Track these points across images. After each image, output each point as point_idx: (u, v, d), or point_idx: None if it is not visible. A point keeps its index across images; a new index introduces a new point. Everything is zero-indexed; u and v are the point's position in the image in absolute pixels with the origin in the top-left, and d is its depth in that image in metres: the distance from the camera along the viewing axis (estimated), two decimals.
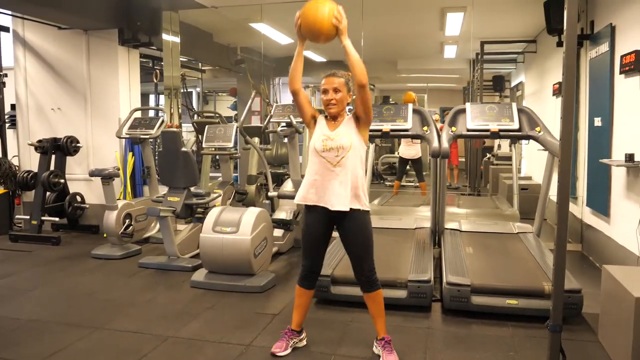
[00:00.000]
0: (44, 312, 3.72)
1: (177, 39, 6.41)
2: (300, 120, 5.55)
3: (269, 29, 7.49)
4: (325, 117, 2.90)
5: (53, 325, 3.47)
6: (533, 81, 8.49)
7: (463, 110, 4.68)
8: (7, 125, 6.74)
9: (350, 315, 3.51)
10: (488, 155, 10.61)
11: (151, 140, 5.94)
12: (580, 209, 5.48)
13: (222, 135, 5.77)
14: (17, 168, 6.62)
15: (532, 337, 3.15)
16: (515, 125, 4.47)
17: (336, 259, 3.95)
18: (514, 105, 4.63)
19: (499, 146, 11.40)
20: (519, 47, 8.68)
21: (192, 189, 4.97)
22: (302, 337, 3.07)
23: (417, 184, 9.19)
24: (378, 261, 4.05)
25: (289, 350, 2.97)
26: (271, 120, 5.64)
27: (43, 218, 6.01)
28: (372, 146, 7.12)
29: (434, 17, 7.10)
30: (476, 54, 8.79)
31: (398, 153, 9.12)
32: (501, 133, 4.48)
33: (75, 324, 3.48)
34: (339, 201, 2.74)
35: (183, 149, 4.81)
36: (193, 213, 5.00)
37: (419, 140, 8.04)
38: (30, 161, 6.64)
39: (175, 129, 4.93)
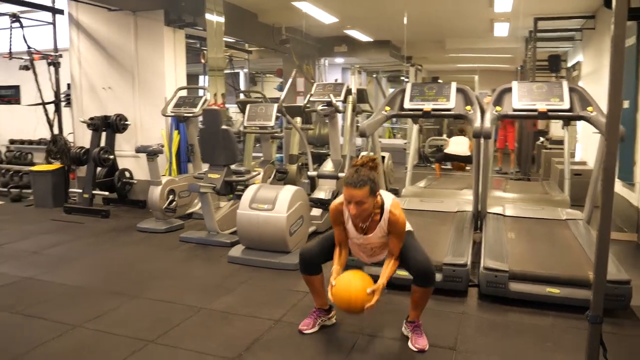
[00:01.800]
0: (89, 279, 3.89)
1: (222, 19, 6.44)
2: (342, 99, 5.51)
3: (312, 8, 7.41)
4: None
5: (96, 292, 3.62)
6: (591, 60, 8.03)
7: (509, 89, 4.48)
8: (63, 103, 7.02)
9: (387, 297, 3.45)
10: (541, 138, 10.20)
11: (197, 118, 6.03)
12: (637, 197, 5.17)
13: (263, 114, 5.81)
14: (72, 144, 6.91)
15: (573, 327, 3.00)
16: (566, 105, 4.23)
17: None
18: (565, 83, 4.38)
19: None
20: (577, 24, 8.20)
21: (233, 166, 5.03)
22: (330, 315, 3.06)
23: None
24: None
25: (316, 328, 2.98)
26: (311, 99, 5.60)
27: (94, 192, 6.27)
28: (415, 127, 6.98)
29: None
30: (529, 32, 8.41)
31: (444, 147, 8.98)
32: (550, 113, 4.25)
33: (115, 291, 3.61)
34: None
35: (223, 126, 4.85)
36: (233, 190, 5.06)
37: (467, 139, 7.92)
38: (83, 138, 6.89)
39: (216, 107, 4.98)
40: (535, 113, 4.31)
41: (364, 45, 11.19)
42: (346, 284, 2.64)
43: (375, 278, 3.63)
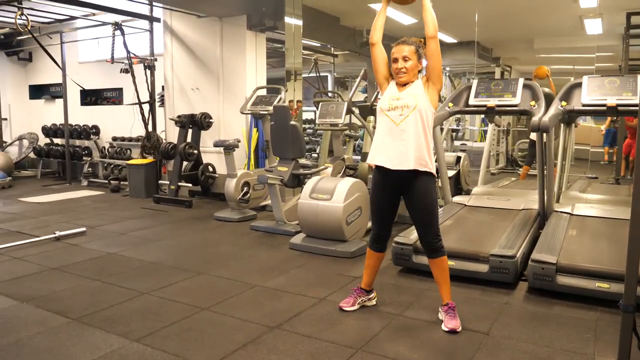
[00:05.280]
0: (163, 257, 4.33)
1: (300, 22, 6.76)
2: None
3: (389, 9, 7.50)
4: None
5: (167, 268, 4.03)
6: None
7: (579, 85, 4.34)
8: (158, 103, 7.73)
9: (428, 284, 3.54)
10: None
11: None
12: None
13: (334, 112, 6.04)
14: (164, 141, 7.57)
15: (619, 323, 2.89)
16: (639, 100, 4.03)
17: None
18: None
19: None
20: None
21: (301, 160, 5.30)
22: (371, 296, 3.19)
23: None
24: (466, 235, 4.03)
25: (356, 307, 3.13)
26: (379, 97, 5.72)
27: (180, 184, 6.85)
28: (490, 127, 6.86)
29: None
30: (624, 28, 7.92)
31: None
32: (619, 108, 4.07)
33: (184, 268, 4.00)
34: (401, 161, 2.80)
35: (291, 122, 5.13)
36: (300, 183, 5.33)
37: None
38: (174, 135, 7.52)
39: (284, 104, 5.28)
40: (604, 108, 4.15)
41: (449, 46, 11.07)
42: None
43: (422, 268, 3.73)
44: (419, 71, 2.90)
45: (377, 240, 3.09)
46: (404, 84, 2.88)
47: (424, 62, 2.89)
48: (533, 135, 8.18)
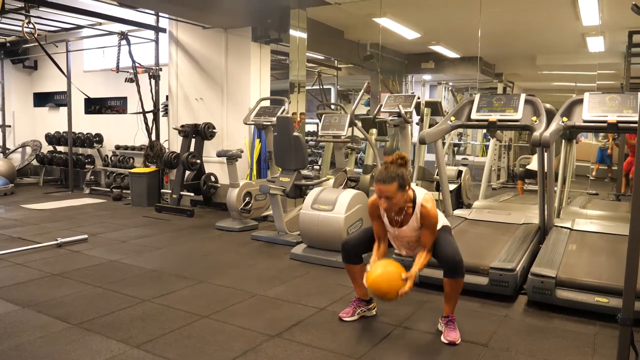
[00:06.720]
0: (164, 265, 4.34)
1: (304, 35, 6.84)
2: (411, 110, 5.64)
3: (393, 24, 7.61)
4: None
5: (168, 275, 4.05)
6: None
7: (580, 101, 4.38)
8: (161, 113, 7.78)
9: (428, 296, 3.55)
10: None
11: None
12: None
13: (337, 124, 6.07)
14: (167, 150, 7.61)
15: (617, 337, 2.90)
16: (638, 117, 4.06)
17: None
18: None
19: None
20: None
21: (304, 172, 5.33)
22: (370, 306, 3.20)
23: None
24: (466, 248, 4.03)
25: (355, 317, 3.14)
26: (382, 110, 5.78)
27: (182, 193, 6.88)
28: (492, 141, 6.90)
29: (565, 3, 6.59)
30: (626, 47, 7.99)
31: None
32: (620, 125, 4.10)
33: (185, 276, 4.02)
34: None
35: (294, 133, 5.17)
36: (302, 194, 5.36)
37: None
38: (177, 144, 7.57)
39: (287, 115, 5.32)
40: (605, 125, 4.19)
41: (452, 61, 11.16)
42: (381, 270, 2.79)
43: (422, 280, 3.74)
44: (407, 187, 2.84)
45: (353, 254, 3.15)
46: (399, 215, 2.93)
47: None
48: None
